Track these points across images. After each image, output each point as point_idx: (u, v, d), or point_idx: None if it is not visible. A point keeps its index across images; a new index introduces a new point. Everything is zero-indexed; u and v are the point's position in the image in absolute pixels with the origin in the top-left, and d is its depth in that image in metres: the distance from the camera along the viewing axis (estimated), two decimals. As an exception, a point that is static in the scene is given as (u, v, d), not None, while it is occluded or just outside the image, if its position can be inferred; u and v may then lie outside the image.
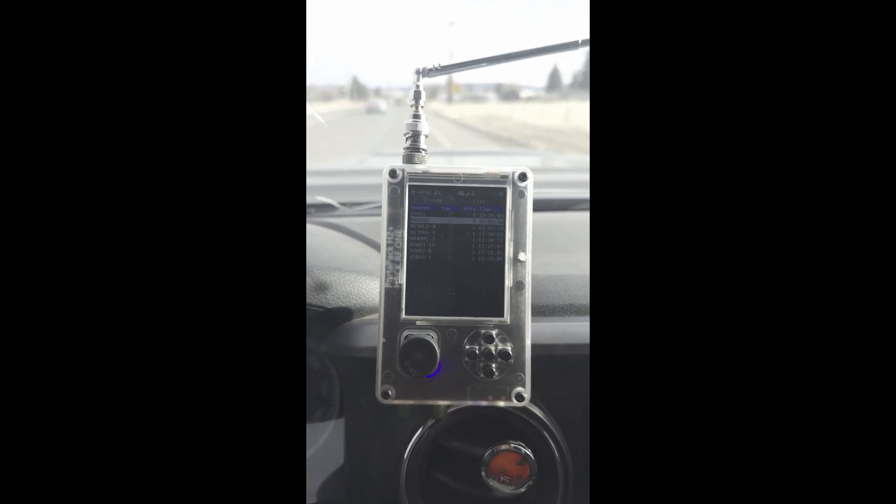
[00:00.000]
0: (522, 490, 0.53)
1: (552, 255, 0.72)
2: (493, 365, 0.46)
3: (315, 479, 0.66)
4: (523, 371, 0.47)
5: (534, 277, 0.48)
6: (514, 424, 0.55)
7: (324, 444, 0.69)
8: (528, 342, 0.47)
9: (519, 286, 0.47)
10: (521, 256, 0.47)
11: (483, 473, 0.52)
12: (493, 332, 0.47)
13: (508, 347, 0.47)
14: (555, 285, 0.62)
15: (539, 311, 0.59)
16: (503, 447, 0.52)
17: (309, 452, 0.69)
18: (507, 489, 0.53)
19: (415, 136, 0.48)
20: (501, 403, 0.47)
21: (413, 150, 0.48)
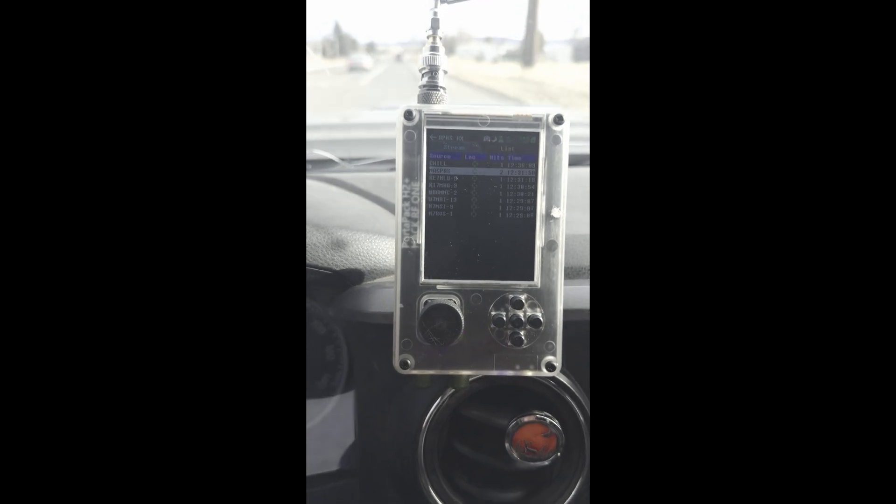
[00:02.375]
0: (547, 463, 0.50)
1: (577, 212, 0.67)
2: (522, 332, 0.42)
3: (325, 450, 0.62)
4: (554, 339, 0.42)
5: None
6: (538, 393, 0.51)
7: (332, 412, 0.66)
8: (560, 308, 0.42)
9: (551, 246, 0.42)
10: (555, 213, 0.42)
11: (507, 445, 0.49)
12: (522, 297, 0.42)
13: (539, 314, 0.42)
14: (581, 245, 0.58)
15: (565, 273, 0.54)
16: (528, 418, 0.49)
17: (316, 421, 0.65)
18: (532, 461, 0.49)
19: (432, 71, 0.42)
20: (530, 373, 0.43)
21: (430, 88, 0.42)
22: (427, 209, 0.41)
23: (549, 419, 0.49)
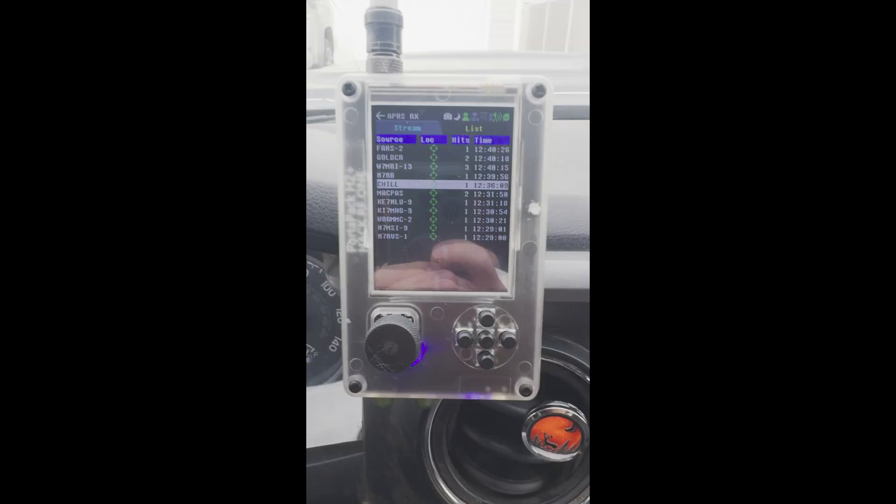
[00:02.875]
0: (570, 458, 0.44)
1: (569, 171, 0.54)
2: (493, 352, 0.35)
3: (331, 421, 0.62)
4: (531, 359, 0.35)
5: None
6: (563, 380, 0.44)
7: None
8: (539, 324, 0.34)
9: (529, 250, 0.33)
10: (533, 209, 0.32)
11: (524, 435, 0.44)
12: (493, 312, 0.34)
13: (513, 331, 0.34)
14: (568, 209, 0.46)
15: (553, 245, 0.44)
16: (553, 409, 0.43)
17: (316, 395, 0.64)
18: (551, 456, 0.44)
19: (382, 28, 0.33)
20: (502, 396, 0.36)
21: (381, 52, 0.33)
22: (376, 205, 0.34)
23: (572, 412, 0.43)
